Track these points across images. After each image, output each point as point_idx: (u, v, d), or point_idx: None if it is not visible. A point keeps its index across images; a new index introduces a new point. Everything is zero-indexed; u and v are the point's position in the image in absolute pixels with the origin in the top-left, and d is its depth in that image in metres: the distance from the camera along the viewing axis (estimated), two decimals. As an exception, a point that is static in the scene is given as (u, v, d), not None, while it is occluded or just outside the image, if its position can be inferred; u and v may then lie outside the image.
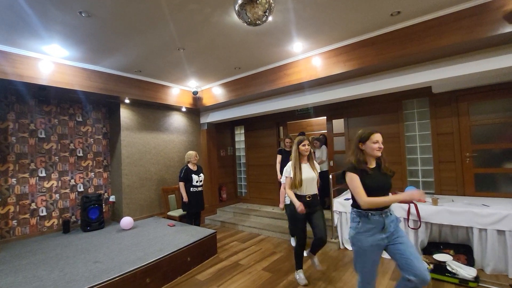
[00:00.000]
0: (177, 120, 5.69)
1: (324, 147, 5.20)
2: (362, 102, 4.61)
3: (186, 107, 5.51)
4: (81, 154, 4.69)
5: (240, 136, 6.80)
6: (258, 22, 1.89)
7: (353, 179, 1.81)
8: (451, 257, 3.03)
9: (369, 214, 1.84)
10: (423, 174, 4.20)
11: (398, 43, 3.13)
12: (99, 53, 3.58)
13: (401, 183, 4.23)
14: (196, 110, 5.91)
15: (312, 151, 2.92)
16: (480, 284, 2.70)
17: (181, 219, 4.54)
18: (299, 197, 2.73)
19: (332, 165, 5.23)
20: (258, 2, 1.73)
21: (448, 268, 2.88)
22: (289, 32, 3.21)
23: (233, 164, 6.85)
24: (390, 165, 1.97)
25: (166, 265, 3.03)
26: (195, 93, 5.24)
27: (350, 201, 2.08)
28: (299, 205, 2.64)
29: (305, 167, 2.80)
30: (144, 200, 4.98)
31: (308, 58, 3.89)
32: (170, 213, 4.76)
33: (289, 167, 2.83)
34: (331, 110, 5.08)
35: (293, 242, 3.98)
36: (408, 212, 3.41)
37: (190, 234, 3.72)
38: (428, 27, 2.92)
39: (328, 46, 3.66)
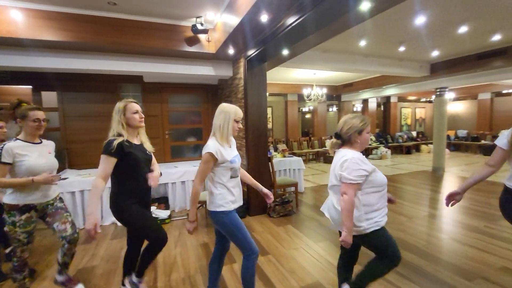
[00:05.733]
0: None
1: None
2: (80, 77, 4.45)
3: None
4: None
5: None
6: None
7: None
8: (155, 207, 4.11)
9: None
10: (137, 148, 5.04)
11: (116, 30, 3.50)
12: None
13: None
14: None
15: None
16: (172, 219, 3.98)
17: None
18: None
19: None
20: None
21: (153, 215, 3.91)
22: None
23: None
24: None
25: None
26: None
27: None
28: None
29: None
30: None
31: (3, 7, 3.05)
32: None
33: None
34: (40, 79, 4.32)
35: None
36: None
37: None
38: (140, 27, 3.59)
39: (36, 4, 3.14)
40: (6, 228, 1.93)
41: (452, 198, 1.81)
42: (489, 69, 5.79)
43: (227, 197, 1.74)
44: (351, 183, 1.52)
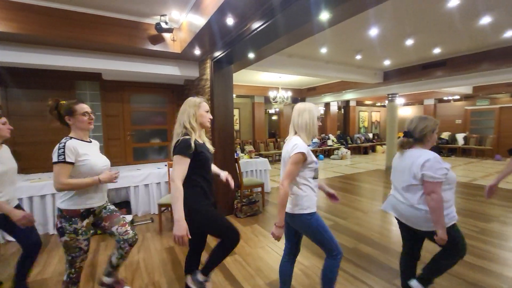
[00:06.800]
0: None
1: None
2: (30, 73, 4.05)
3: None
4: None
5: None
6: None
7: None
8: (115, 212, 3.89)
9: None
10: (95, 150, 4.72)
11: (71, 24, 3.25)
12: None
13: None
14: None
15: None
16: (135, 224, 3.81)
17: None
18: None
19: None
20: None
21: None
22: None
23: None
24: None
25: None
26: None
27: None
28: None
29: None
30: None
31: None
32: None
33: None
34: (-24, 73, 3.85)
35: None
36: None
37: None
38: (98, 21, 3.39)
39: (-29, -11, 2.80)
40: (65, 238, 1.67)
41: (492, 190, 1.99)
42: (432, 78, 6.51)
43: (313, 198, 1.69)
44: (438, 182, 1.56)
